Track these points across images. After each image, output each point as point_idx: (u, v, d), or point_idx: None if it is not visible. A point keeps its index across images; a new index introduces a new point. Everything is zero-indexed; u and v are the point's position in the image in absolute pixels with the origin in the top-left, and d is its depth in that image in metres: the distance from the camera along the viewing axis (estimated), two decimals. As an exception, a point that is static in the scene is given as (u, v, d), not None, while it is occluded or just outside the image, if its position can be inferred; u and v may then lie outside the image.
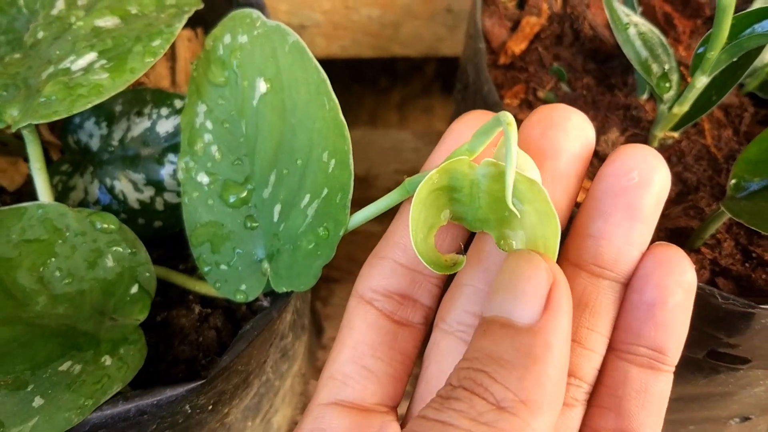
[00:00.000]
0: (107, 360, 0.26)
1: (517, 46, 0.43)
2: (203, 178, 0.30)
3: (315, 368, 0.54)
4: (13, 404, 0.24)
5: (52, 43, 0.32)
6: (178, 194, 0.33)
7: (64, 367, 0.25)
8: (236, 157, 0.30)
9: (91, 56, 0.29)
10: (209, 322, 0.32)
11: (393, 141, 0.74)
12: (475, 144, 0.21)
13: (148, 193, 0.33)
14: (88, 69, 0.29)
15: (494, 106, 0.35)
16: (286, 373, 0.37)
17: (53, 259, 0.29)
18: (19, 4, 0.36)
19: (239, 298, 0.29)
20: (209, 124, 0.30)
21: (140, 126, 0.33)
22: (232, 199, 0.30)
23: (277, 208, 0.28)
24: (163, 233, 0.33)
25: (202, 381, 0.26)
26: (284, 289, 0.28)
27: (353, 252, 0.65)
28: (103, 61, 0.29)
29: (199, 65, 0.32)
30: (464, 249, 0.24)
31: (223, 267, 0.30)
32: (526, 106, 0.40)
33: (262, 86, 0.28)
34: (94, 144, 0.35)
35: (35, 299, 0.27)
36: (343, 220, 0.25)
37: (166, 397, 0.25)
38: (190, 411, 0.27)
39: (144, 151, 0.33)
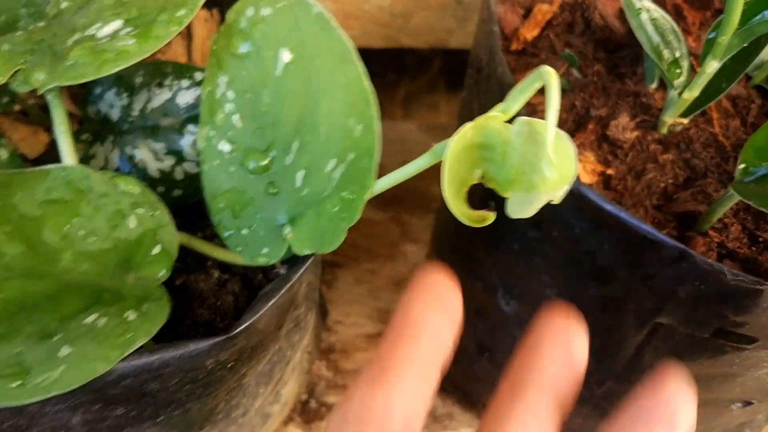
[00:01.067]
0: (131, 315, 0.27)
1: (529, 32, 0.44)
2: (224, 147, 0.31)
3: (319, 350, 0.54)
4: (41, 352, 0.24)
5: (76, 13, 0.32)
6: (197, 164, 0.34)
7: (90, 319, 0.26)
8: (258, 126, 0.30)
9: (117, 24, 0.30)
10: (227, 288, 0.33)
11: (398, 132, 0.75)
12: (510, 102, 0.22)
13: (168, 162, 0.34)
14: (113, 36, 0.29)
15: (509, 87, 0.36)
16: (297, 344, 0.38)
17: (77, 219, 0.29)
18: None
19: (261, 261, 0.30)
20: (231, 95, 0.31)
21: (161, 97, 0.34)
22: (253, 166, 0.30)
23: (300, 174, 0.29)
24: (182, 202, 0.34)
25: (226, 336, 0.26)
26: (306, 252, 0.28)
27: (357, 239, 0.66)
28: (129, 29, 0.29)
29: (219, 38, 0.32)
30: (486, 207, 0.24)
31: (244, 232, 0.30)
32: (539, 91, 0.41)
33: (286, 56, 0.29)
34: (115, 114, 0.35)
35: (60, 256, 0.28)
36: (368, 184, 0.26)
37: (189, 350, 0.26)
38: (211, 367, 0.27)
39: (164, 122, 0.34)
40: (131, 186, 0.30)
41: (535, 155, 0.22)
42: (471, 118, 0.39)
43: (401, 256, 0.68)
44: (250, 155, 0.30)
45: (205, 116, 0.32)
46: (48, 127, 0.39)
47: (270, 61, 0.30)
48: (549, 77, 0.20)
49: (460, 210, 0.23)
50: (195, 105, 0.33)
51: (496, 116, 0.22)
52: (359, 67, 0.27)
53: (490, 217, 0.24)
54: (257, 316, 0.27)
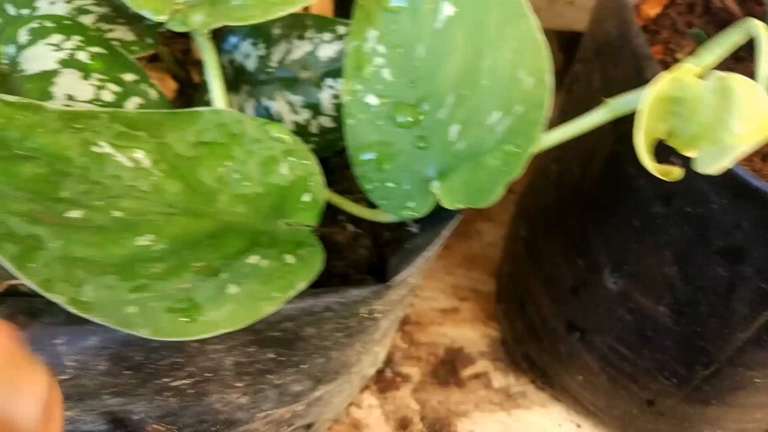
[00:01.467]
0: (289, 258, 0.27)
1: (652, 9, 0.43)
2: (372, 100, 0.31)
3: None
4: (210, 289, 0.25)
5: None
6: (334, 119, 0.34)
7: (252, 260, 0.26)
8: (409, 80, 0.30)
9: (277, -30, 0.30)
10: (359, 242, 0.33)
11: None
12: (706, 55, 0.21)
13: (304, 115, 0.34)
14: (277, -20, 0.29)
15: (645, 58, 0.35)
16: (404, 307, 0.38)
17: (230, 162, 0.29)
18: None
19: (406, 214, 0.30)
20: (381, 49, 0.31)
21: (301, 50, 0.34)
22: (401, 120, 0.30)
23: (455, 128, 0.29)
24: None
25: (385, 284, 0.26)
26: (459, 206, 0.28)
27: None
28: (292, -24, 0.30)
29: (369, -8, 0.32)
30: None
31: (389, 185, 0.30)
32: (663, 66, 0.40)
33: (448, 9, 0.29)
34: (250, 64, 0.35)
35: (217, 197, 0.28)
36: (535, 137, 0.26)
37: (352, 295, 0.26)
38: (363, 315, 0.27)
39: (303, 74, 0.34)
40: (283, 133, 0.30)
41: (727, 111, 0.22)
42: (591, 92, 0.39)
43: (475, 234, 0.68)
44: (400, 109, 0.30)
45: (351, 70, 0.32)
46: (175, 75, 0.39)
47: (428, 14, 0.30)
48: (759, 29, 0.20)
49: (650, 163, 0.22)
50: (336, 59, 0.33)
51: (689, 69, 0.22)
52: (532, 20, 0.26)
53: (676, 172, 0.24)
54: (414, 267, 0.27)
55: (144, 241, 0.25)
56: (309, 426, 0.39)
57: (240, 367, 0.28)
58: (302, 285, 0.26)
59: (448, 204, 0.29)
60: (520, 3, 0.27)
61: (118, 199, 0.26)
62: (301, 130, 0.34)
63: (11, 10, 0.34)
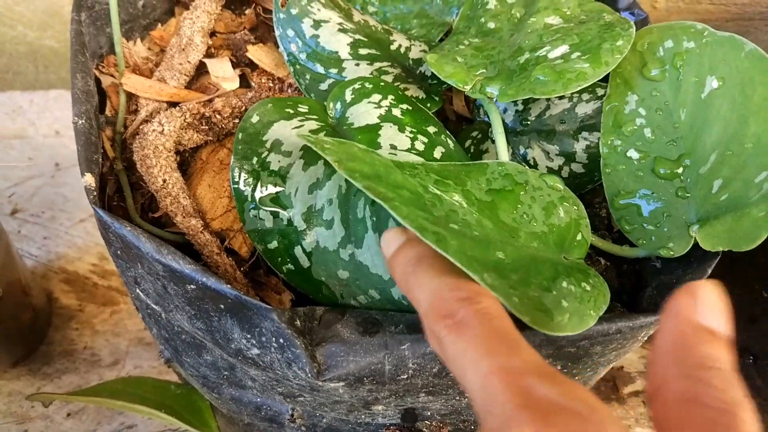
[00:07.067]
0: (586, 286, 0.33)
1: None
2: (633, 154, 0.37)
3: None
4: (552, 300, 0.30)
5: (512, 34, 0.39)
6: (584, 165, 0.40)
7: (564, 284, 0.32)
8: (670, 139, 0.36)
9: (564, 48, 0.36)
10: (608, 273, 0.39)
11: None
12: None
13: (557, 162, 0.40)
14: (565, 59, 0.36)
15: None
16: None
17: (520, 206, 0.36)
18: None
19: (664, 253, 0.36)
20: (642, 111, 0.37)
21: (560, 107, 0.40)
22: (663, 172, 0.36)
23: (718, 182, 0.34)
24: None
25: (657, 315, 0.32)
26: (719, 248, 0.34)
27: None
28: (578, 53, 0.36)
29: (624, 62, 0.38)
30: None
31: (649, 227, 0.36)
32: None
33: (714, 83, 0.35)
34: (508, 118, 0.42)
35: (518, 233, 0.35)
36: (802, 196, 0.31)
37: (640, 321, 0.32)
38: (623, 341, 0.33)
39: (560, 127, 0.40)
40: (558, 183, 0.36)
41: None
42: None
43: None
44: (660, 163, 0.36)
45: (610, 127, 0.38)
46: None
47: (692, 86, 0.36)
48: None
49: None
50: (592, 115, 0.40)
51: None
52: (801, 99, 0.32)
53: None
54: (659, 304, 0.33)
55: (500, 255, 0.31)
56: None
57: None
58: (603, 307, 0.32)
59: (708, 246, 0.34)
60: (786, 82, 0.33)
61: (467, 225, 0.32)
62: (554, 175, 0.41)
63: (319, 68, 0.41)
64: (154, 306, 0.36)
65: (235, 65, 0.45)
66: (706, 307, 0.24)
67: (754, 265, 0.50)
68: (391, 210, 0.27)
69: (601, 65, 0.35)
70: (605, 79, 0.39)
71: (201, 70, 0.45)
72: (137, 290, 0.37)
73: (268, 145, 0.35)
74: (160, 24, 0.48)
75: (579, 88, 0.35)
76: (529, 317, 0.28)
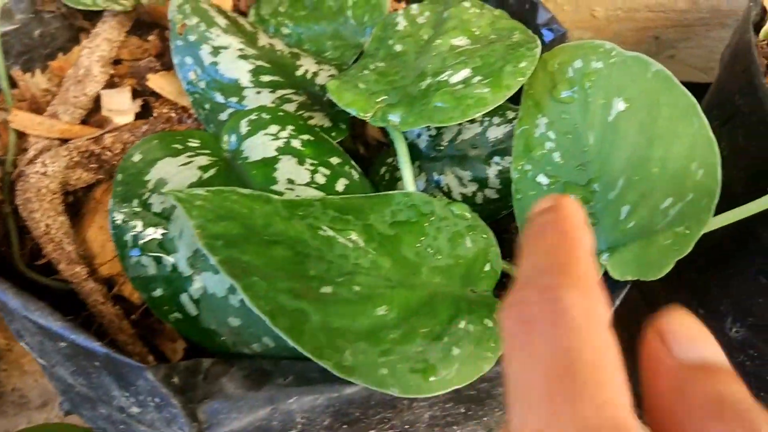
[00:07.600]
0: (488, 322, 0.31)
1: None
2: (542, 179, 0.36)
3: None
4: (439, 351, 0.29)
5: (417, 57, 0.38)
6: (497, 191, 0.38)
7: (462, 325, 0.31)
8: (579, 163, 0.35)
9: (466, 72, 0.35)
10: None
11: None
12: None
13: (471, 188, 0.39)
14: (466, 83, 0.34)
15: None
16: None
17: (424, 239, 0.34)
18: (346, 15, 0.43)
19: (577, 283, 0.34)
20: (552, 134, 0.36)
21: (471, 131, 0.39)
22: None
23: (626, 208, 0.33)
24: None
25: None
26: (628, 277, 0.32)
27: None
28: (479, 77, 0.34)
29: (536, 83, 0.37)
30: None
31: (561, 256, 0.35)
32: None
33: (620, 105, 0.33)
34: (422, 143, 0.40)
35: (419, 269, 0.33)
36: (705, 220, 0.30)
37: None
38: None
39: (472, 152, 0.39)
40: (465, 211, 0.35)
41: None
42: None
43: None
44: (570, 189, 0.35)
45: (520, 151, 0.36)
46: (347, 148, 0.44)
47: (600, 108, 0.34)
48: None
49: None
50: (503, 140, 0.38)
51: None
52: (704, 119, 0.31)
53: None
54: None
55: (381, 311, 0.29)
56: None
57: (434, 420, 0.33)
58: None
59: (617, 275, 0.33)
60: (693, 104, 0.31)
61: (352, 276, 0.30)
62: (467, 201, 0.39)
63: (219, 97, 0.39)
64: (39, 360, 0.34)
65: (139, 94, 0.43)
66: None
67: (688, 282, 0.49)
68: (244, 292, 0.26)
69: (501, 89, 0.34)
70: (518, 101, 0.37)
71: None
72: (23, 343, 0.34)
73: (150, 185, 0.33)
74: (62, 53, 0.46)
75: (479, 114, 0.33)
76: (398, 388, 0.27)
